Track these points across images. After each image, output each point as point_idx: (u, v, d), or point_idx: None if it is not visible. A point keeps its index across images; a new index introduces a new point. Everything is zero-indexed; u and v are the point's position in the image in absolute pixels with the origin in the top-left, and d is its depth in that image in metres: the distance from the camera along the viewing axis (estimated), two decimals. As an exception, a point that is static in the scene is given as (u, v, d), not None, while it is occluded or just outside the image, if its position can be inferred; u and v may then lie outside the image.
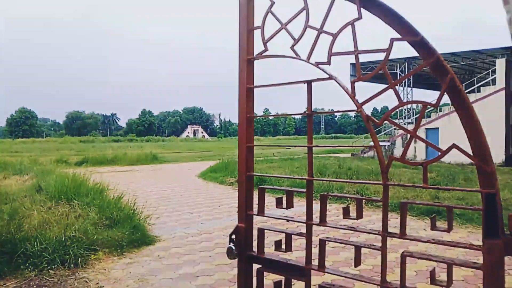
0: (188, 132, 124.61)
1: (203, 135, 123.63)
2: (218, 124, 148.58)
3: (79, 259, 4.67)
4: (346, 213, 1.50)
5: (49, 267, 4.45)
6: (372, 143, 1.62)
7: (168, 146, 50.00)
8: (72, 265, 4.55)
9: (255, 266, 1.78)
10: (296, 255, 4.42)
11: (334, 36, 1.68)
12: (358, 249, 1.45)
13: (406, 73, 25.86)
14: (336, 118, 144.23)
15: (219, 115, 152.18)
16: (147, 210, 7.23)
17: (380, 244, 1.36)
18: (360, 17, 1.62)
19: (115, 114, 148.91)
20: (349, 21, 1.63)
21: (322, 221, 1.53)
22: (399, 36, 1.40)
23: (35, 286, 4.07)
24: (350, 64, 27.66)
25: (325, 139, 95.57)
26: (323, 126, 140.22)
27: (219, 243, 5.70)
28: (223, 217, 7.53)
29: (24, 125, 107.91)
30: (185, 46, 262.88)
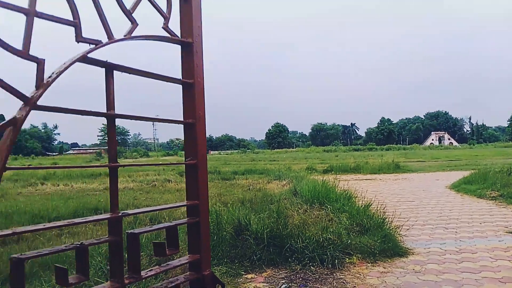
0: (432, 139, 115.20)
1: (450, 142, 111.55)
2: (469, 129, 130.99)
3: (336, 260, 4.96)
4: None
5: (310, 264, 4.92)
6: None
7: (410, 155, 47.59)
8: (330, 265, 4.88)
9: None
10: None
11: None
12: None
13: None
14: None
15: (469, 118, 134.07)
16: (396, 220, 7.02)
17: None
18: None
19: (354, 124, 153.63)
20: None
21: None
22: None
23: (300, 278, 4.57)
24: None
25: None
26: None
27: (486, 266, 4.92)
28: (488, 236, 6.47)
29: (278, 137, 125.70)
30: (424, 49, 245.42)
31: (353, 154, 54.77)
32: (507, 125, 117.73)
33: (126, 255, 1.89)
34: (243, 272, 4.73)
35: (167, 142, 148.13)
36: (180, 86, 2.14)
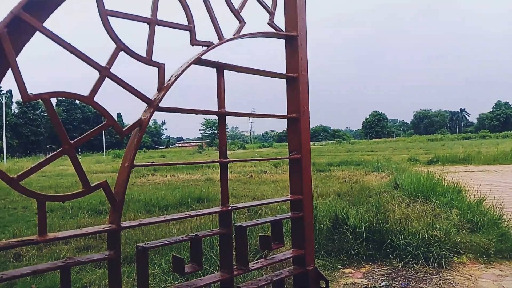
0: None
1: None
2: None
3: (442, 259, 4.58)
4: None
5: (413, 262, 4.62)
6: None
7: (533, 143, 41.62)
8: (435, 264, 4.52)
9: None
10: None
11: None
12: None
13: None
14: None
15: None
16: (516, 217, 6.22)
17: None
18: None
19: (464, 109, 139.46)
20: None
21: None
22: None
23: (402, 277, 4.32)
24: None
25: None
26: None
27: None
28: None
29: (376, 126, 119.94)
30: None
31: (463, 143, 49.81)
32: None
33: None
34: (340, 266, 4.64)
35: (262, 134, 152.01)
36: (284, 80, 2.15)
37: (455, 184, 8.16)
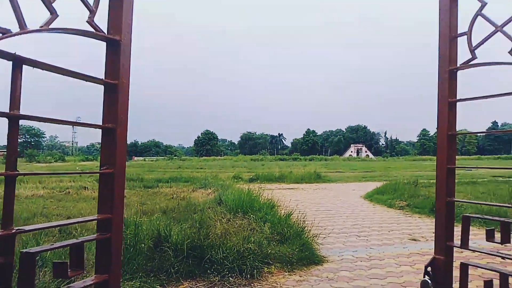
0: (351, 151, 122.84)
1: (367, 154, 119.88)
2: (384, 143, 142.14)
3: (255, 270, 4.96)
4: None
5: (229, 275, 4.86)
6: None
7: (331, 165, 50.19)
8: (248, 276, 4.87)
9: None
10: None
11: None
12: None
13: None
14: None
15: (385, 133, 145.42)
16: (314, 229, 7.27)
17: None
18: None
19: (282, 134, 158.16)
20: None
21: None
22: None
23: (218, 291, 4.49)
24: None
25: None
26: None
27: (391, 272, 5.28)
28: (394, 243, 6.98)
29: (207, 145, 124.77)
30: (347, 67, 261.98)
31: (279, 163, 56.21)
32: (416, 141, 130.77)
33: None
34: (158, 286, 4.52)
35: (87, 146, 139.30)
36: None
37: (270, 200, 9.05)
